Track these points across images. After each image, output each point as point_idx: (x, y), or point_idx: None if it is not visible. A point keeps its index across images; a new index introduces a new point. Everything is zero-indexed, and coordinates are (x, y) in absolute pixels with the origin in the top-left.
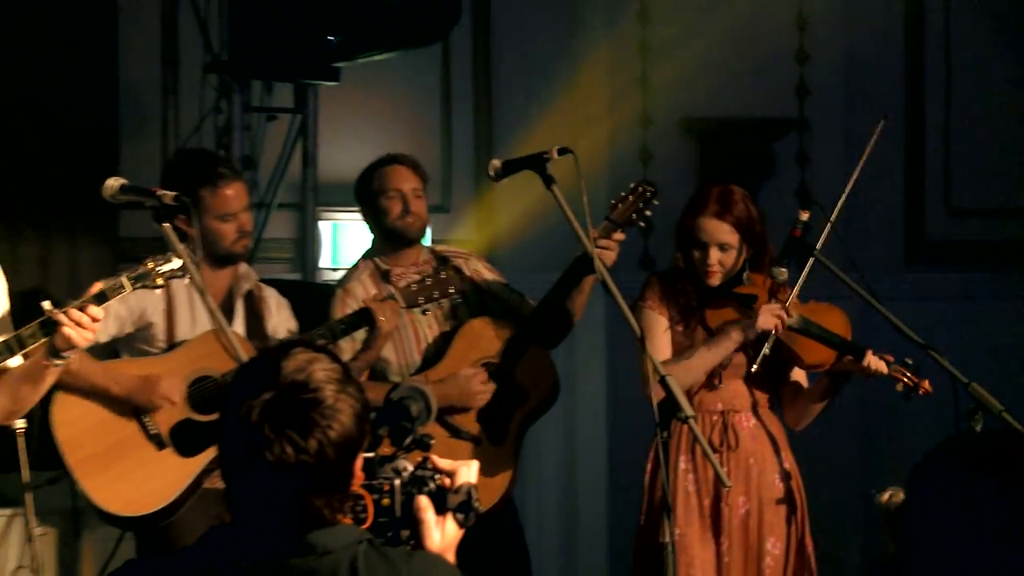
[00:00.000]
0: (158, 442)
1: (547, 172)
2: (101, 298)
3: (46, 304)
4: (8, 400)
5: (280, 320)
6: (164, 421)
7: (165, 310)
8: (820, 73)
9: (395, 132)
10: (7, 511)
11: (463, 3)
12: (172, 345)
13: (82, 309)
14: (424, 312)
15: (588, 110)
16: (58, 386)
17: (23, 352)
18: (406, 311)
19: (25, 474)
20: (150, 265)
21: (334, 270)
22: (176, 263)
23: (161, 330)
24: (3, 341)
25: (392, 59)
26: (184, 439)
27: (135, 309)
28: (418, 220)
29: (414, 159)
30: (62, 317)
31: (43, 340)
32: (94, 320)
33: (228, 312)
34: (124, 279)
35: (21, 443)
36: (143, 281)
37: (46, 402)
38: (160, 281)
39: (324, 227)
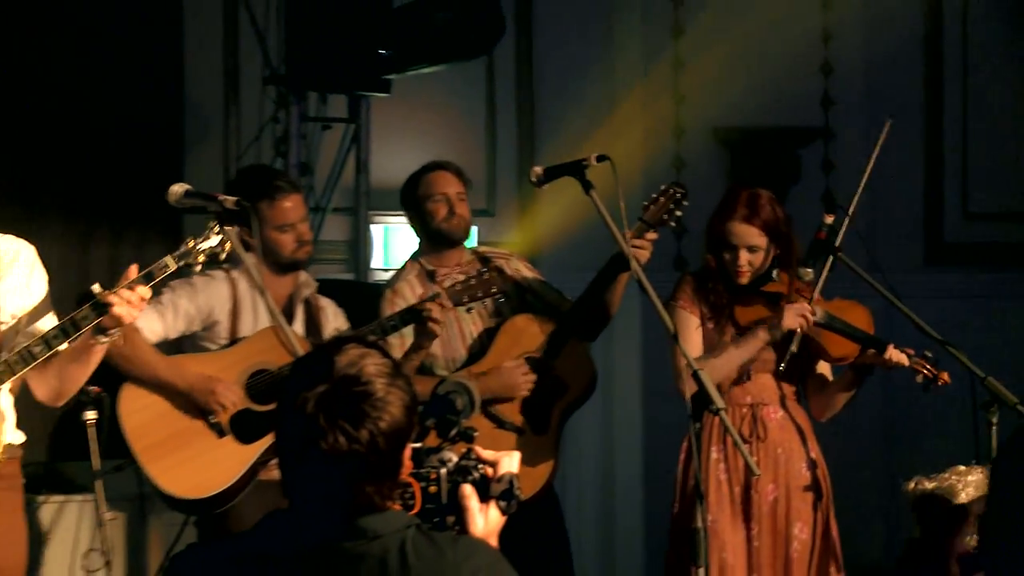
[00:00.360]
0: (218, 430)
1: (586, 178)
2: (148, 277)
3: (95, 287)
4: (57, 381)
5: (336, 328)
6: (225, 411)
7: (230, 310)
8: (843, 84)
9: (443, 140)
10: (79, 497)
11: (507, 20)
12: (233, 341)
13: (131, 289)
14: (468, 310)
15: (625, 120)
16: (125, 378)
17: (78, 334)
18: (451, 310)
19: (95, 462)
20: (191, 243)
21: (385, 270)
22: (214, 240)
23: (225, 328)
24: (58, 325)
25: (440, 72)
26: (243, 427)
27: (203, 308)
28: (462, 221)
29: (456, 165)
30: (114, 298)
31: (96, 321)
32: (142, 299)
33: (289, 316)
34: (168, 258)
35: (92, 433)
36: (185, 259)
37: (114, 394)
38: (201, 258)
39: (376, 230)
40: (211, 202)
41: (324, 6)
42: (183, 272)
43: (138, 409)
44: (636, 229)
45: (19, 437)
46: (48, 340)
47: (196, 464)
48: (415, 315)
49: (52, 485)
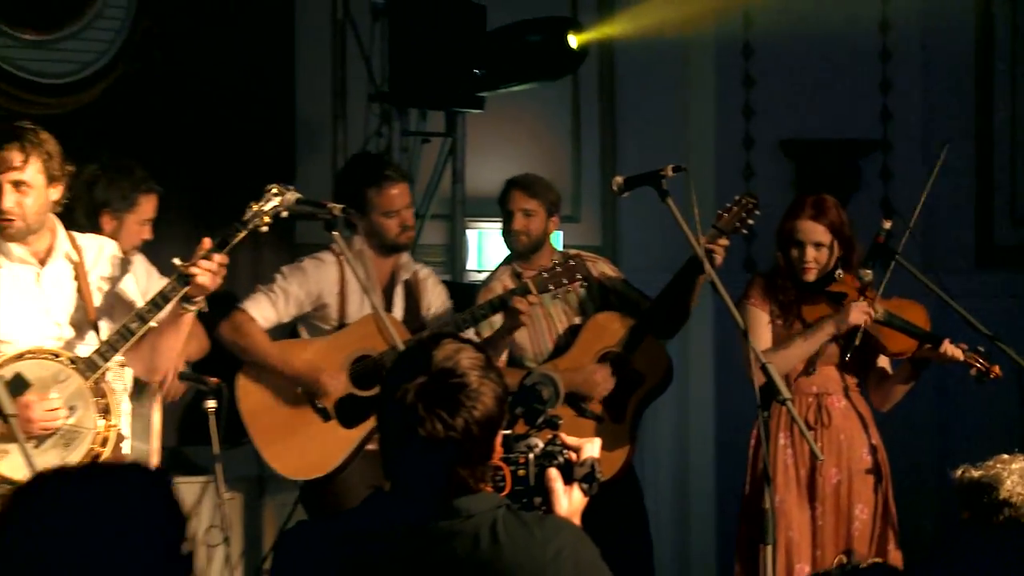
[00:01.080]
0: (324, 415)
1: (663, 187)
2: (222, 244)
3: (175, 260)
4: (150, 354)
5: (434, 296)
6: (330, 397)
7: (338, 293)
8: (901, 100)
9: (532, 152)
10: (201, 479)
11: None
12: (340, 325)
13: (209, 258)
14: (555, 297)
15: (699, 133)
16: (241, 364)
17: (167, 306)
18: (540, 306)
19: (215, 447)
20: (254, 207)
21: (479, 272)
22: (275, 201)
23: (334, 310)
24: (149, 300)
25: (529, 89)
26: (346, 412)
27: (312, 292)
28: (521, 236)
29: (530, 183)
30: (194, 269)
31: (182, 292)
32: (220, 265)
33: (389, 296)
34: (237, 224)
35: (212, 421)
36: (253, 222)
37: (231, 382)
38: (267, 219)
39: (471, 235)
40: (320, 210)
41: (424, 29)
42: (253, 235)
43: (252, 393)
44: (710, 235)
45: (126, 429)
46: (142, 315)
47: (304, 448)
48: (503, 304)
49: (177, 467)
